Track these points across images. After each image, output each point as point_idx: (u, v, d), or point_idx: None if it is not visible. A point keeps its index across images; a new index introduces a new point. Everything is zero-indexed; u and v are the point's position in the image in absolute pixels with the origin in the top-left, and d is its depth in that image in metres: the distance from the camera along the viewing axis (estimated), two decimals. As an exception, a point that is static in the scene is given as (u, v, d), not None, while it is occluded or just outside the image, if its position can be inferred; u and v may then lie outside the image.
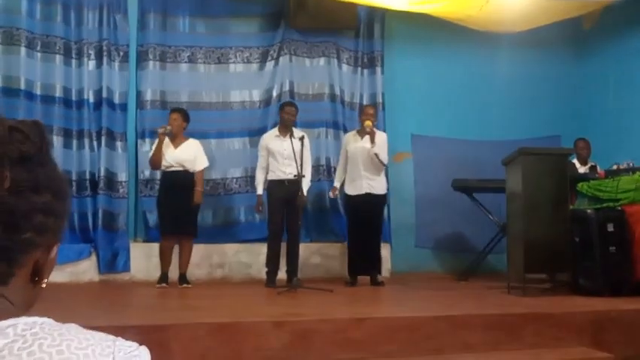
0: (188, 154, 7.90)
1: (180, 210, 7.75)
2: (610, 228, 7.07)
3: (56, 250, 1.11)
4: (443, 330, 5.52)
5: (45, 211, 1.05)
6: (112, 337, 1.08)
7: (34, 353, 0.98)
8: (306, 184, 7.84)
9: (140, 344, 1.11)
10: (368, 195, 8.15)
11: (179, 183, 7.80)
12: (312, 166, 8.84)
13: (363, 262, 8.16)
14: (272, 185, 8.06)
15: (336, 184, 8.45)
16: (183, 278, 7.83)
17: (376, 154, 8.07)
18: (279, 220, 8.00)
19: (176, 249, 7.94)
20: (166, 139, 7.85)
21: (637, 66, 9.48)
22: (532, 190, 7.15)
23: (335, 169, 9.01)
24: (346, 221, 8.51)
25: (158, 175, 8.28)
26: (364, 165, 8.17)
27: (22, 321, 1.02)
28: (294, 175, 7.59)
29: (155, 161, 7.89)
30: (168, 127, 7.82)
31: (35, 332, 1.01)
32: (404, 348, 5.30)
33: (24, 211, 1.02)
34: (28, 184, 1.03)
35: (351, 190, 8.25)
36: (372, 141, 8.00)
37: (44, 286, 1.11)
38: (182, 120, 7.95)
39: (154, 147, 8.00)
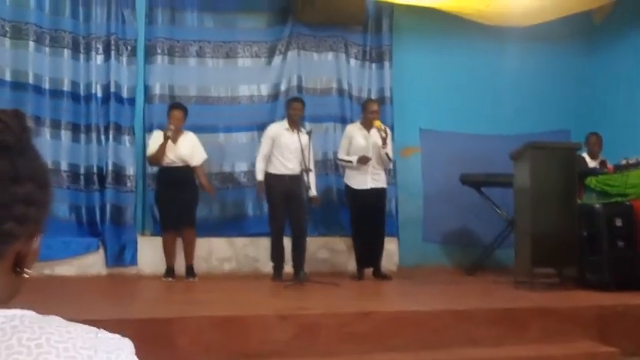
0: (187, 149, 7.91)
1: (180, 204, 7.78)
2: (618, 223, 7.06)
3: (39, 241, 1.09)
4: (449, 324, 5.52)
5: (26, 201, 1.03)
6: (94, 329, 1.06)
7: (12, 347, 0.96)
8: (313, 182, 7.83)
9: (123, 336, 1.08)
10: (373, 189, 8.18)
11: (179, 178, 7.83)
12: (320, 160, 8.84)
13: (369, 254, 8.18)
14: (271, 179, 8.00)
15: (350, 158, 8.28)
16: (190, 270, 7.85)
17: (387, 154, 8.14)
18: (281, 215, 7.97)
19: (180, 242, 7.95)
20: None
21: (647, 60, 9.43)
22: (540, 185, 7.14)
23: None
24: (350, 214, 8.49)
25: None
26: (372, 161, 8.16)
27: (2, 313, 1.00)
28: (300, 170, 7.57)
29: (157, 159, 7.91)
30: (172, 127, 7.83)
31: (15, 325, 0.99)
32: (409, 342, 5.30)
33: (4, 202, 1.01)
34: (7, 175, 1.01)
35: (356, 184, 8.24)
36: (385, 143, 8.00)
37: (27, 276, 1.08)
38: (184, 116, 7.96)
39: (151, 143, 8.00)
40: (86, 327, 1.05)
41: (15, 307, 1.03)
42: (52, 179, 1.11)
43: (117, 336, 1.07)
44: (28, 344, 0.97)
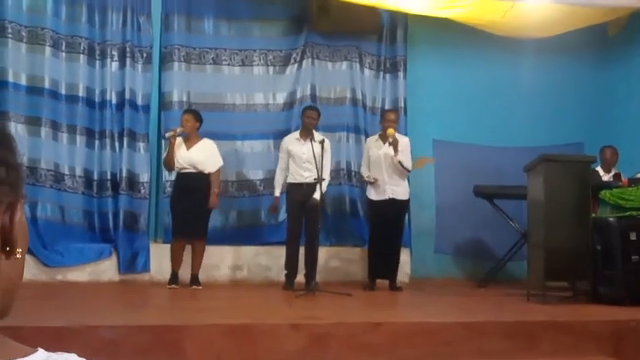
0: (200, 155, 7.91)
1: (192, 212, 7.75)
2: (632, 237, 7.00)
3: (22, 211, 0.99)
4: (460, 336, 5.50)
5: None
6: None
7: None
8: (322, 189, 7.81)
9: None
10: (391, 200, 8.17)
11: (191, 185, 7.82)
12: (333, 170, 8.82)
13: (382, 266, 8.16)
14: (290, 188, 8.09)
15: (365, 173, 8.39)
16: (194, 279, 7.84)
17: (400, 162, 8.09)
18: (297, 223, 8.00)
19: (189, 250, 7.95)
20: (179, 140, 7.90)
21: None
22: (554, 198, 7.10)
23: (355, 173, 9.04)
24: (368, 225, 8.51)
25: (176, 176, 8.29)
26: (387, 171, 8.17)
27: None
28: (314, 179, 7.59)
29: (168, 163, 8.00)
30: (178, 129, 7.89)
31: None
32: (421, 353, 5.28)
33: None
34: None
35: (374, 195, 8.27)
36: (395, 150, 7.99)
37: (19, 256, 0.97)
38: (194, 120, 7.98)
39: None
40: None
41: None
42: (12, 139, 1.01)
43: None
44: None
